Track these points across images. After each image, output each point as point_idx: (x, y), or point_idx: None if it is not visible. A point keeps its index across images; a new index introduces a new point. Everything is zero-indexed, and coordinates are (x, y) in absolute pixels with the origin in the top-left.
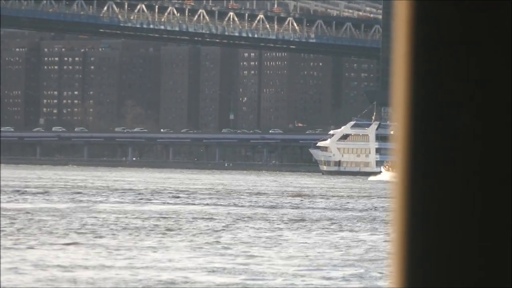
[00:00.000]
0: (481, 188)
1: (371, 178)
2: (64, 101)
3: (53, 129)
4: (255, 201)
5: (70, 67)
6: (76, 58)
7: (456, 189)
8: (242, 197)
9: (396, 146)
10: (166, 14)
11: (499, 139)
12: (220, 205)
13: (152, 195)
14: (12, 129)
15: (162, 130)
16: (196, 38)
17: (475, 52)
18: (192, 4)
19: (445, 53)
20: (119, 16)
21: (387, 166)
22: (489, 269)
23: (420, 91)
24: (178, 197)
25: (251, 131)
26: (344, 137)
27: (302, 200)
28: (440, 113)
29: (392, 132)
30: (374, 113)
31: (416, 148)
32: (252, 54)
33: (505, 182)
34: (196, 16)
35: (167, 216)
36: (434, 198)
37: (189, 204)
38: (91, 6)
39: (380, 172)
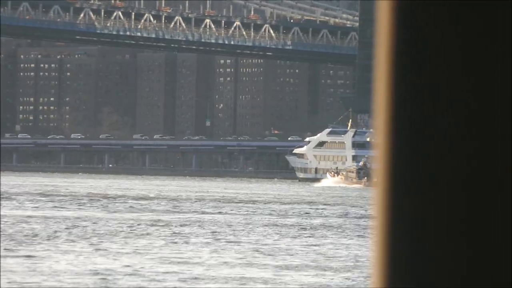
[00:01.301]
0: (465, 191)
1: (316, 184)
2: (40, 107)
3: None
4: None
5: (47, 73)
6: (53, 65)
7: (439, 193)
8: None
9: (377, 151)
10: (142, 21)
11: (484, 142)
12: None
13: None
14: (29, 136)
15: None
16: (172, 45)
17: (459, 54)
18: (169, 11)
19: (428, 54)
20: (96, 23)
21: (332, 173)
22: (473, 271)
23: (403, 94)
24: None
25: (267, 138)
26: (321, 144)
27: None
28: (424, 116)
29: (368, 139)
30: (350, 120)
31: (399, 153)
32: (228, 61)
33: (490, 185)
34: (173, 23)
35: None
36: (417, 203)
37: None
38: (67, 13)
39: (322, 179)
